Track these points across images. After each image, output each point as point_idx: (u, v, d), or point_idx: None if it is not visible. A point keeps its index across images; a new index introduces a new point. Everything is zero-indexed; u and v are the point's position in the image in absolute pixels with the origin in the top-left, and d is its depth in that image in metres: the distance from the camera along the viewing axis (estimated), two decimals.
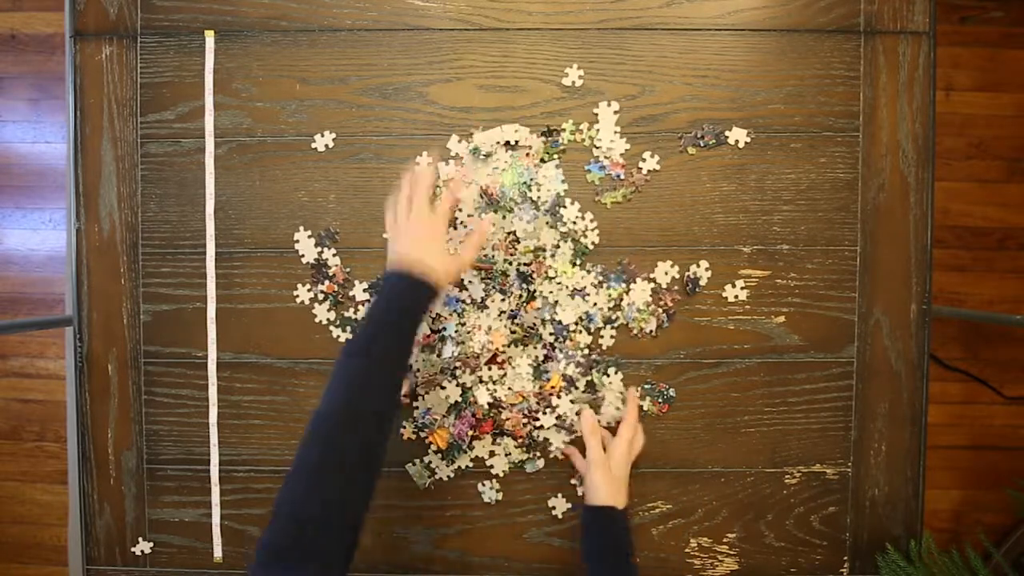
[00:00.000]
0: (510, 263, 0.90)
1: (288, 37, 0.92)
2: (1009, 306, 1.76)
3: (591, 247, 0.91)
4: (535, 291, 0.90)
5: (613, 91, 0.92)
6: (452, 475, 0.93)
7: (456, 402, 0.91)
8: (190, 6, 0.92)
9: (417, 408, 0.92)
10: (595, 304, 0.91)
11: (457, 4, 0.92)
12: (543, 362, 0.91)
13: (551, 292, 0.90)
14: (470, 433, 0.91)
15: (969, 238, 1.76)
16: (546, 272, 0.90)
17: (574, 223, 0.91)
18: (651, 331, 0.91)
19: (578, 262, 0.91)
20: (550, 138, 0.91)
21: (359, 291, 0.92)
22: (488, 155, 0.91)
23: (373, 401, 0.70)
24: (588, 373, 0.91)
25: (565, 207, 0.91)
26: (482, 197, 0.90)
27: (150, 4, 0.92)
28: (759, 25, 0.91)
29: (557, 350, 0.91)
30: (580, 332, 0.91)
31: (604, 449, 0.87)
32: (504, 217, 0.90)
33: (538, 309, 0.90)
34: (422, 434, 0.92)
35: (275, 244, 0.93)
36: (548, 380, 0.91)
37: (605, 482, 0.84)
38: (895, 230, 0.92)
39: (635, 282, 0.91)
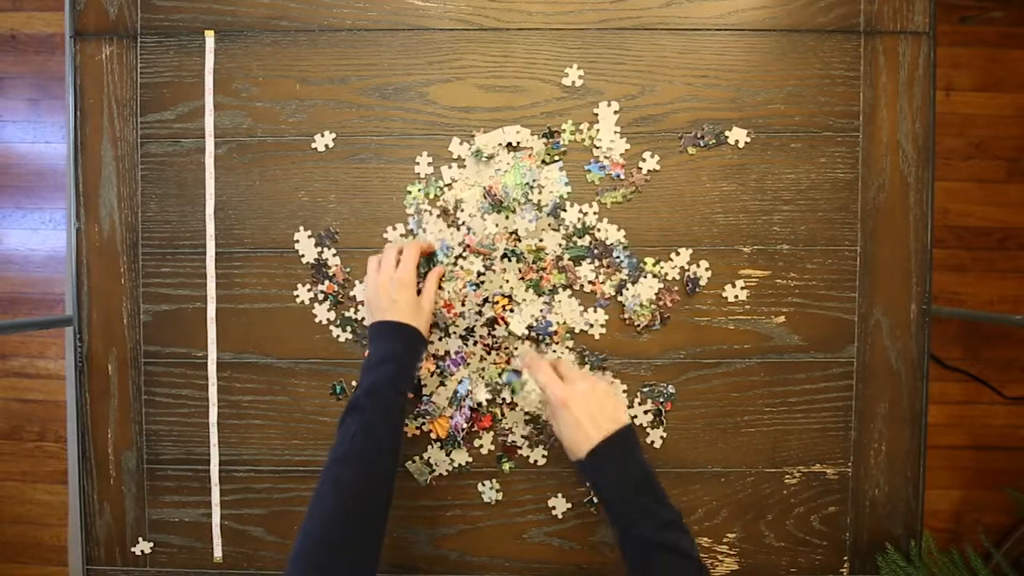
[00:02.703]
0: (512, 251, 0.90)
1: (288, 37, 0.92)
2: (1009, 306, 1.76)
3: (594, 245, 0.91)
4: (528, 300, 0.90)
5: (613, 91, 0.92)
6: (451, 469, 0.93)
7: (455, 392, 0.91)
8: (190, 6, 0.92)
9: (421, 396, 0.92)
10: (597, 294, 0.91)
11: (457, 4, 0.92)
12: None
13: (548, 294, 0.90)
14: (465, 427, 0.91)
15: (969, 238, 1.76)
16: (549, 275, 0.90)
17: (576, 225, 0.91)
18: (646, 325, 0.91)
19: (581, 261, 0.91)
20: (551, 140, 0.91)
21: (360, 291, 0.92)
22: (491, 157, 0.91)
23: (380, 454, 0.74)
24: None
25: (566, 210, 0.91)
26: (486, 198, 0.90)
27: (150, 4, 0.92)
28: (759, 25, 0.91)
29: (543, 344, 0.91)
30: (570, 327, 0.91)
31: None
32: (507, 217, 0.90)
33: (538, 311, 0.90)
34: (423, 424, 0.92)
35: (275, 244, 0.93)
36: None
37: (585, 408, 0.73)
38: (895, 230, 0.92)
39: (644, 277, 0.91)
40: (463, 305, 0.90)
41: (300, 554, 0.66)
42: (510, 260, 0.90)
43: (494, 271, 0.90)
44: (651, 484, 0.72)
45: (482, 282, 0.90)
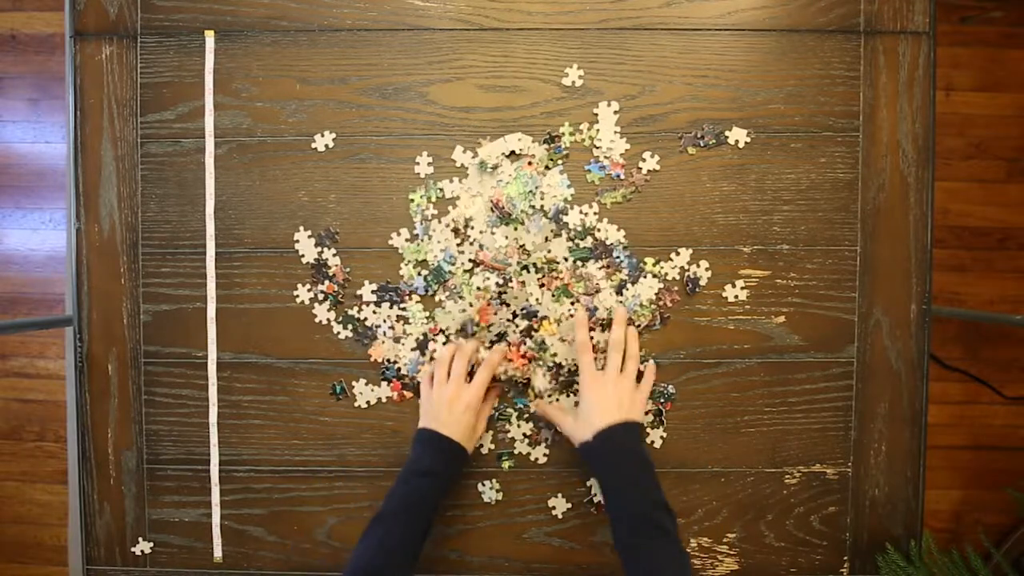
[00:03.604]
0: (524, 266, 0.90)
1: (288, 37, 0.92)
2: (1009, 306, 1.76)
3: (595, 245, 0.91)
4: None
5: (613, 91, 0.92)
6: None
7: None
8: (190, 6, 0.92)
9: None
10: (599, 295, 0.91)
11: (457, 4, 0.92)
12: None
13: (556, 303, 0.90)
14: None
15: (969, 238, 1.76)
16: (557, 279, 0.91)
17: (578, 227, 0.91)
18: (646, 325, 0.91)
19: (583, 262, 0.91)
20: (552, 144, 0.91)
21: (367, 291, 0.92)
22: (495, 167, 0.91)
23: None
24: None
25: (567, 214, 0.91)
26: (492, 211, 0.90)
27: (150, 4, 0.92)
28: (759, 25, 0.91)
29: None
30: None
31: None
32: (516, 229, 0.91)
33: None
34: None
35: (275, 244, 0.93)
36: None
37: (608, 398, 0.82)
38: (895, 230, 0.92)
39: (644, 277, 0.91)
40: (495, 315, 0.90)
41: None
42: (529, 272, 0.90)
43: (511, 287, 0.90)
44: (649, 470, 0.80)
45: (503, 294, 0.90)
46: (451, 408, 0.83)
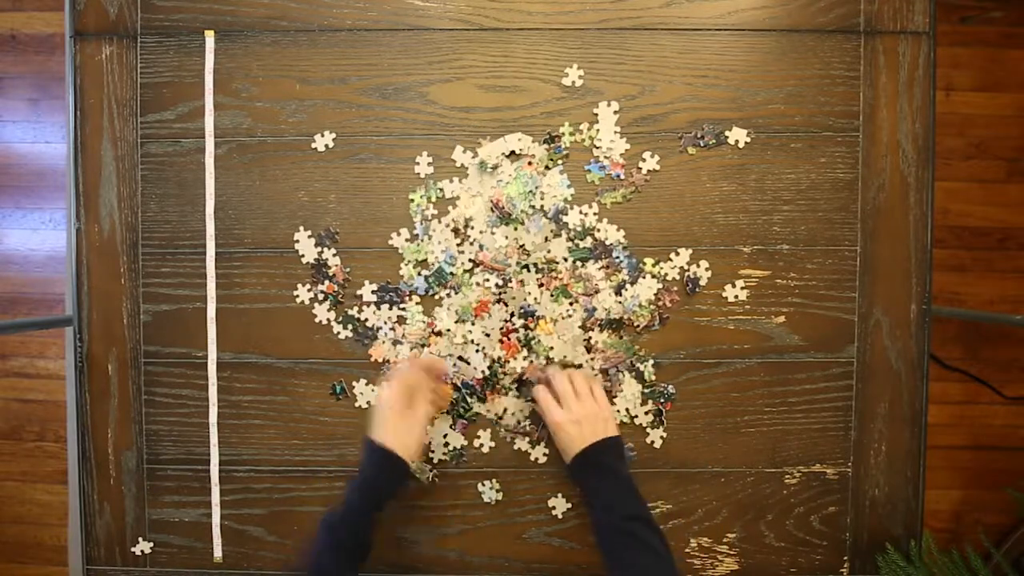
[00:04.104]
0: (524, 266, 0.90)
1: (288, 37, 0.92)
2: (1009, 306, 1.76)
3: (595, 245, 0.91)
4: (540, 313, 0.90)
5: (613, 91, 0.92)
6: (446, 456, 0.93)
7: (453, 403, 0.91)
8: (190, 6, 0.92)
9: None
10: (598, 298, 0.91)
11: (457, 4, 0.92)
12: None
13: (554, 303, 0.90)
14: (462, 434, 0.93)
15: (969, 238, 1.76)
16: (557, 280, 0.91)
17: (577, 227, 0.91)
18: (645, 326, 0.91)
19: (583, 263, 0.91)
20: (552, 145, 0.91)
21: (367, 291, 0.92)
22: (495, 167, 0.91)
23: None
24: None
25: (567, 214, 0.91)
26: (492, 211, 0.90)
27: (150, 4, 0.92)
28: (759, 25, 0.91)
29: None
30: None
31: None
32: (516, 229, 0.91)
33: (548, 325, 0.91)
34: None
35: (275, 244, 0.93)
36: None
37: (574, 430, 0.84)
38: (895, 230, 0.92)
39: (643, 277, 0.91)
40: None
41: None
42: (529, 271, 0.90)
43: (511, 287, 0.90)
44: (625, 486, 0.82)
45: (502, 295, 0.90)
46: (379, 412, 0.83)
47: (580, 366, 0.91)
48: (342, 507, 0.79)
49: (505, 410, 0.92)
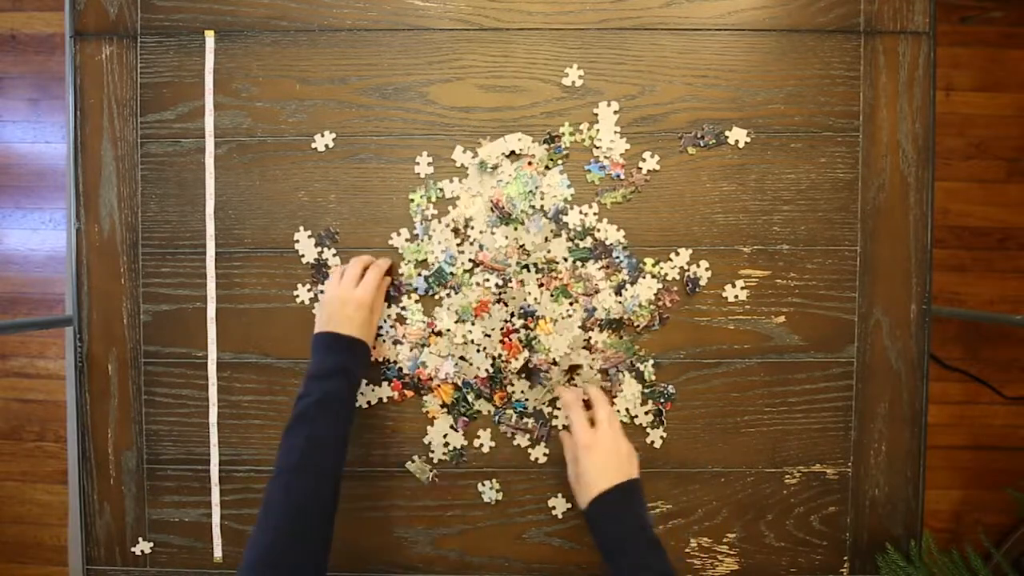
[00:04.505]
0: (524, 266, 0.90)
1: (288, 37, 0.92)
2: (1009, 306, 1.76)
3: (594, 245, 0.91)
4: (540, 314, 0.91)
5: (613, 91, 0.92)
6: (446, 456, 0.93)
7: (455, 400, 0.91)
8: (190, 6, 0.92)
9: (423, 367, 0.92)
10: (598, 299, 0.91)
11: (457, 4, 0.92)
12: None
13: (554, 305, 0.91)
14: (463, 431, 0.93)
15: (969, 238, 1.76)
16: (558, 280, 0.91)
17: (577, 228, 0.91)
18: (645, 326, 0.91)
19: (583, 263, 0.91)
20: (552, 144, 0.91)
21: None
22: (495, 167, 0.91)
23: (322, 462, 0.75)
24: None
25: (567, 214, 0.91)
26: (492, 211, 0.90)
27: (150, 4, 0.92)
28: (759, 25, 0.91)
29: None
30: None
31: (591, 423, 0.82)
32: (516, 229, 0.91)
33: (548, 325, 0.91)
34: (422, 394, 0.92)
35: (275, 244, 0.93)
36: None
37: (606, 457, 0.78)
38: (895, 230, 0.92)
39: (643, 277, 0.91)
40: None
41: (253, 564, 0.67)
42: (529, 271, 0.90)
43: (511, 287, 0.90)
44: (646, 533, 0.75)
45: (502, 295, 0.90)
46: (343, 307, 0.84)
47: (580, 367, 0.91)
48: (314, 401, 0.77)
49: (509, 399, 0.91)
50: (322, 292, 0.92)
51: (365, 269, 0.88)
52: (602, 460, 0.78)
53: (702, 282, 0.92)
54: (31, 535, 1.87)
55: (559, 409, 0.92)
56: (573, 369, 0.91)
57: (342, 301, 0.84)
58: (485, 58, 0.92)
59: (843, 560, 0.94)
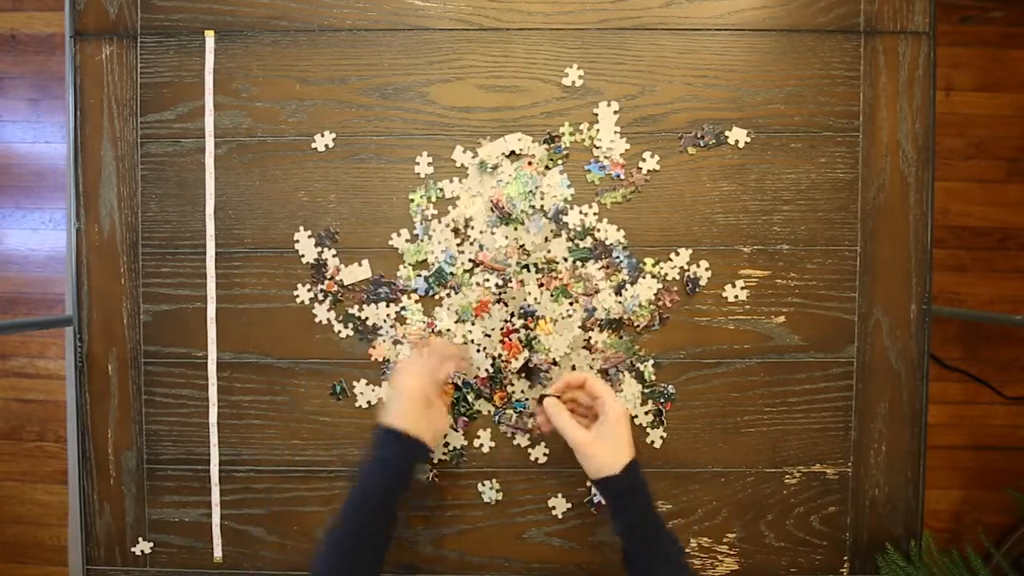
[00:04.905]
0: (524, 266, 0.90)
1: (288, 37, 0.92)
2: (1009, 306, 1.76)
3: (594, 245, 0.91)
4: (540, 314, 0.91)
5: (613, 91, 0.92)
6: (446, 456, 0.93)
7: (455, 400, 0.91)
8: (190, 6, 0.92)
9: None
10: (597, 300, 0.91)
11: (457, 4, 0.92)
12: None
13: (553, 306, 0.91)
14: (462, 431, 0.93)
15: (969, 238, 1.76)
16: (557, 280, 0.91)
17: (577, 228, 0.91)
18: (645, 326, 0.91)
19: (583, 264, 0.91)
20: (552, 145, 0.91)
21: (360, 271, 0.92)
22: (495, 167, 0.91)
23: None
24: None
25: (567, 214, 0.91)
26: (492, 211, 0.90)
27: (150, 4, 0.92)
28: (759, 25, 0.91)
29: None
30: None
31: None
32: (516, 229, 0.91)
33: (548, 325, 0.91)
34: None
35: (275, 244, 0.93)
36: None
37: (600, 452, 0.78)
38: (895, 230, 0.92)
39: (643, 277, 0.91)
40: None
41: None
42: (529, 271, 0.90)
43: (511, 286, 0.90)
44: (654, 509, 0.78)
45: (502, 295, 0.90)
46: (399, 398, 0.80)
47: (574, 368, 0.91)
48: (358, 492, 0.75)
49: (509, 399, 0.91)
50: (322, 291, 0.92)
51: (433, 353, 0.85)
52: (627, 432, 0.79)
53: (702, 282, 0.92)
54: (31, 535, 1.87)
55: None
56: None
57: (400, 389, 0.81)
58: (485, 58, 0.92)
59: (843, 560, 0.94)
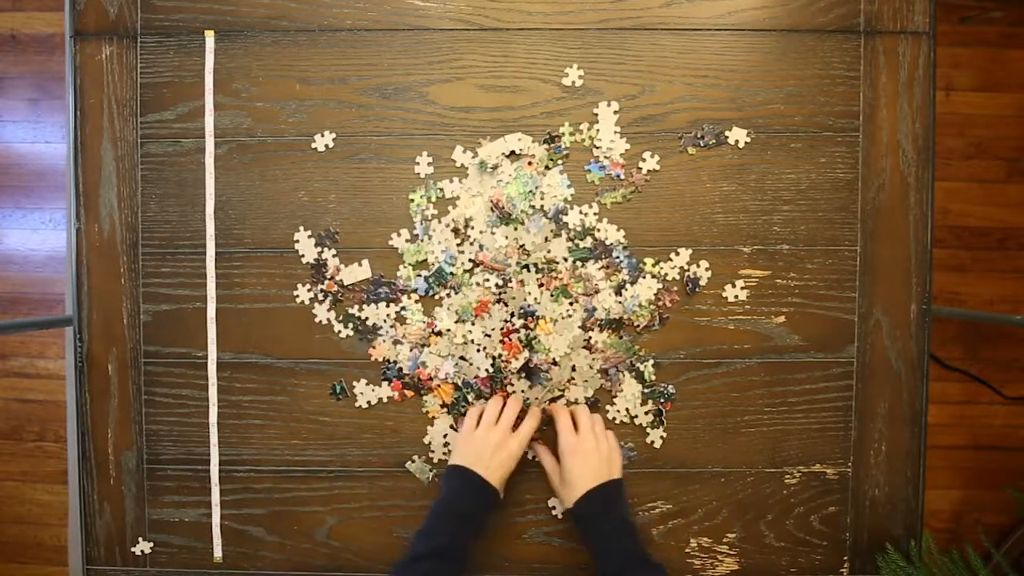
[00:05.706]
0: (524, 266, 0.90)
1: (288, 37, 0.92)
2: (1009, 306, 1.76)
3: (594, 245, 0.91)
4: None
5: (613, 91, 0.92)
6: (446, 456, 0.92)
7: (455, 401, 0.92)
8: (190, 6, 0.92)
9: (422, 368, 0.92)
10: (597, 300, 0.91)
11: (457, 4, 0.92)
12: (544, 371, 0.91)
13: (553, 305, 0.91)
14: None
15: (969, 238, 1.76)
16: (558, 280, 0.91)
17: (577, 228, 0.91)
18: (645, 326, 0.91)
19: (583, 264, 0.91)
20: (553, 144, 0.91)
21: (360, 271, 0.92)
22: (495, 167, 0.91)
23: None
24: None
25: (567, 214, 0.91)
26: (492, 211, 0.90)
27: (150, 4, 0.92)
28: (759, 25, 0.91)
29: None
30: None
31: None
32: (516, 229, 0.91)
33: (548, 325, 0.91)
34: (422, 394, 0.92)
35: (275, 244, 0.93)
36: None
37: (587, 460, 0.83)
38: (895, 230, 0.92)
39: (643, 277, 0.91)
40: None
41: None
42: (529, 271, 0.90)
43: (511, 287, 0.90)
44: (627, 527, 0.81)
45: (502, 295, 0.90)
46: (495, 453, 0.83)
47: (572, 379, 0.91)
48: (434, 538, 0.79)
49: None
50: (322, 291, 0.92)
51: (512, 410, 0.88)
52: (584, 463, 0.83)
53: (702, 282, 0.92)
54: (31, 535, 1.87)
55: None
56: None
57: (497, 445, 0.84)
58: (485, 58, 0.92)
59: (843, 560, 0.94)
